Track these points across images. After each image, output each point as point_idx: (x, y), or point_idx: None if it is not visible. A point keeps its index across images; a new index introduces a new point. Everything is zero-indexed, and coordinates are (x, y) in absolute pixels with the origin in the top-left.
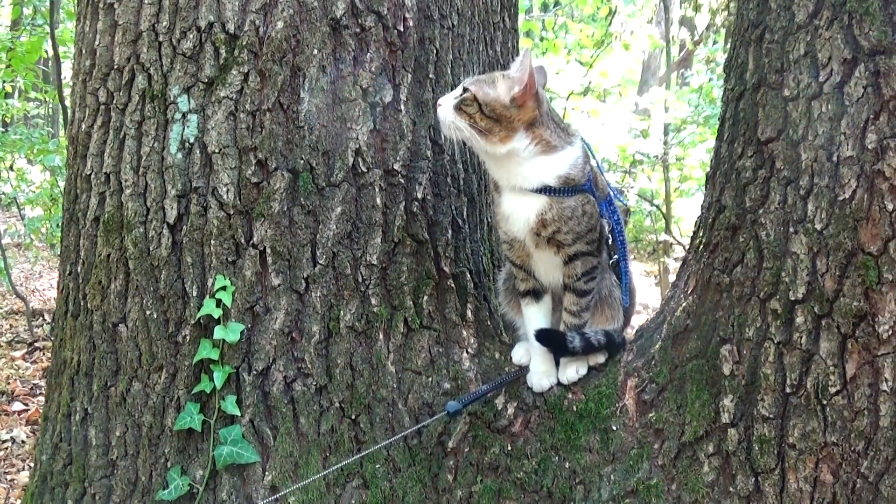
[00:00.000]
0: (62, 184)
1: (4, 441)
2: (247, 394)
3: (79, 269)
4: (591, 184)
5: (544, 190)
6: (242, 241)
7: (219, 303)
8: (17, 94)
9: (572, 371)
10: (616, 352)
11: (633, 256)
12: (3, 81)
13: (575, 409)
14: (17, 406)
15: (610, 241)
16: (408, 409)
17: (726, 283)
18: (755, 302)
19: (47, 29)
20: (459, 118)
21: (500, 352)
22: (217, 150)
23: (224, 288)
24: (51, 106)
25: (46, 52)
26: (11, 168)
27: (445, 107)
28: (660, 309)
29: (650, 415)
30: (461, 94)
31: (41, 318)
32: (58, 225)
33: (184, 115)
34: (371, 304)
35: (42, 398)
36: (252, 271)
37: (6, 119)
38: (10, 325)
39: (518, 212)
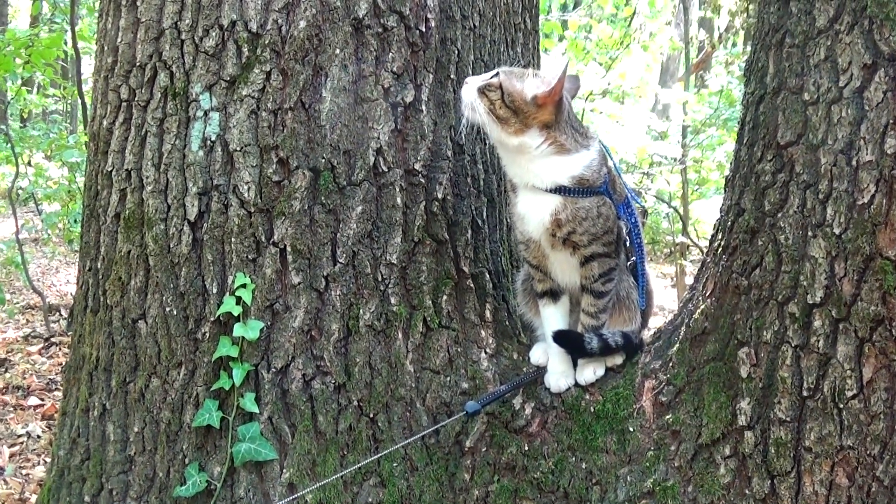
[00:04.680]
0: (80, 179)
1: (20, 436)
2: (265, 391)
3: (99, 265)
4: (607, 186)
5: (558, 190)
6: (263, 239)
7: (239, 300)
8: (35, 90)
9: (590, 372)
10: (633, 353)
11: (649, 258)
12: (23, 78)
13: (592, 409)
14: (34, 401)
15: (627, 244)
16: (426, 409)
17: (744, 286)
18: (773, 305)
19: (65, 26)
20: (480, 101)
21: (518, 352)
22: (238, 148)
23: (244, 285)
24: (69, 102)
25: (65, 51)
26: (30, 163)
27: (471, 87)
28: (678, 311)
29: (667, 416)
30: (489, 79)
31: (58, 314)
32: (75, 221)
33: (206, 113)
34: (390, 303)
35: (58, 393)
36: (272, 269)
37: (24, 114)
38: (27, 320)
39: (533, 212)
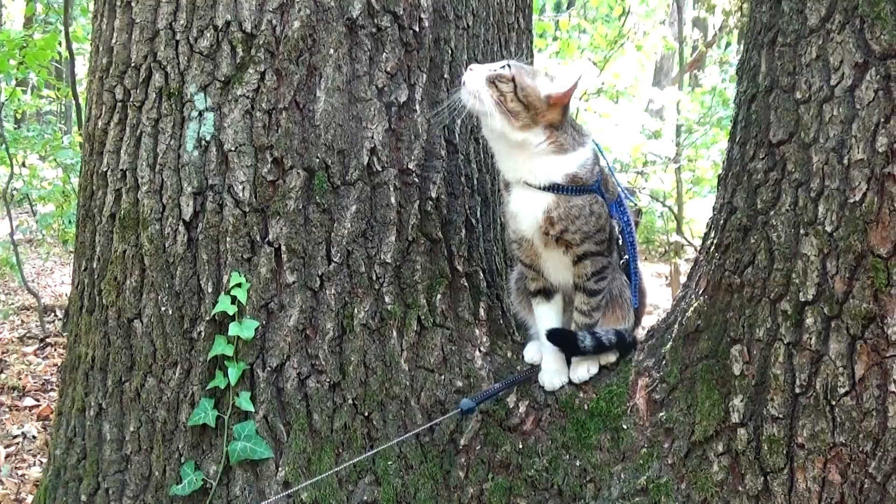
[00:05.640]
0: (75, 180)
1: (16, 436)
2: (261, 390)
3: (94, 266)
4: (599, 184)
5: (552, 188)
6: (258, 238)
7: (234, 299)
8: (29, 91)
9: (583, 370)
10: (627, 351)
11: (644, 257)
12: (17, 79)
13: (586, 407)
14: (29, 401)
15: (620, 242)
16: (420, 407)
17: (737, 284)
18: (765, 303)
19: (60, 26)
20: (488, 91)
21: (513, 350)
22: (233, 148)
23: (239, 285)
24: (63, 103)
25: (59, 51)
26: (24, 165)
27: (477, 75)
28: (671, 309)
29: (660, 414)
30: (500, 70)
31: (53, 314)
32: (70, 221)
33: (200, 113)
34: (385, 301)
35: (53, 394)
36: (267, 268)
37: (18, 115)
38: (22, 321)
39: (526, 209)
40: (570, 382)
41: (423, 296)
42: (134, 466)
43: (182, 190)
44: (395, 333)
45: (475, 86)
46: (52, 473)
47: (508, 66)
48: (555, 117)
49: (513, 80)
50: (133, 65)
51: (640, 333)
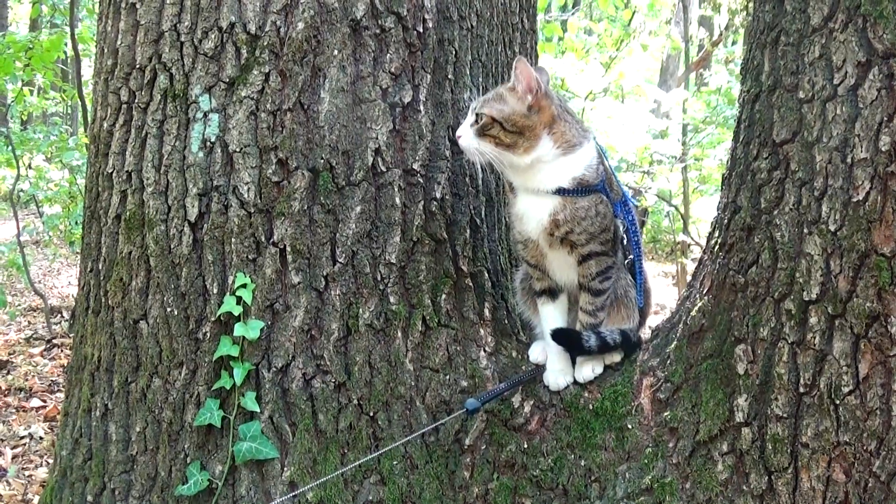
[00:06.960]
0: (81, 182)
1: (22, 437)
2: (266, 390)
3: (100, 266)
4: (604, 184)
5: (558, 191)
6: (263, 239)
7: (239, 300)
8: (35, 92)
9: (588, 370)
10: (632, 351)
11: (651, 257)
12: (23, 81)
13: (591, 407)
14: (35, 402)
15: (625, 242)
16: (425, 407)
17: (741, 283)
18: (769, 302)
19: (65, 28)
20: (483, 143)
21: (517, 350)
22: (238, 150)
23: (244, 285)
24: (69, 104)
25: (65, 52)
26: (30, 166)
27: (466, 136)
28: (675, 309)
29: (665, 413)
30: (477, 121)
31: (59, 315)
32: (76, 222)
33: (205, 115)
34: (390, 302)
35: (60, 395)
36: (272, 269)
37: (23, 117)
38: (29, 322)
39: (531, 212)
40: (575, 382)
41: (428, 296)
42: (140, 467)
43: (187, 191)
44: (399, 334)
45: (471, 145)
46: (59, 474)
47: (479, 113)
48: (549, 114)
49: (493, 119)
50: (138, 66)
51: (646, 333)
